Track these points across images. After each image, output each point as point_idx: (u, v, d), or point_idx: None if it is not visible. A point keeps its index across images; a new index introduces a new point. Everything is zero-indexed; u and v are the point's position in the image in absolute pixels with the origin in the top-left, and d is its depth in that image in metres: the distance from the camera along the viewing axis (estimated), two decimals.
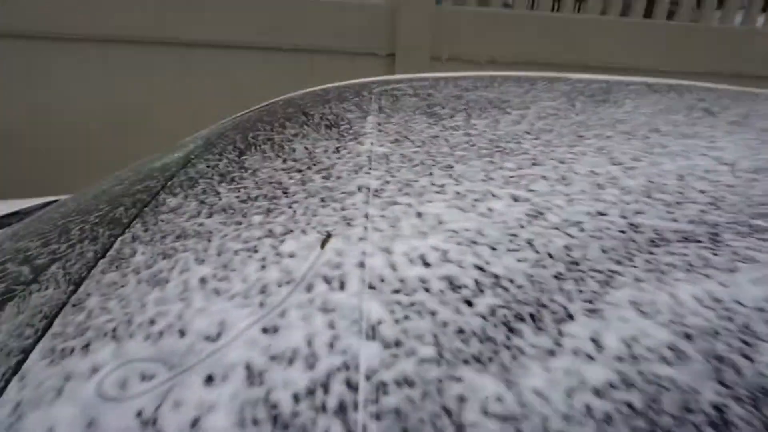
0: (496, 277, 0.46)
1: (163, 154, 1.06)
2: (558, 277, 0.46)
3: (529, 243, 0.51)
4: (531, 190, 0.61)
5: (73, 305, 0.50)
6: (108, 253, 0.58)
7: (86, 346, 0.43)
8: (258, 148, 0.82)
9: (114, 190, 0.85)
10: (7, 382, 0.42)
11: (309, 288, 0.46)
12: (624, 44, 2.32)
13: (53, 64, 2.30)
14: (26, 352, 0.45)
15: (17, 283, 0.60)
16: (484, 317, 0.42)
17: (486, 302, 0.43)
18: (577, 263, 0.48)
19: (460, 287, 0.45)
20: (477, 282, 0.46)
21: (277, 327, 0.42)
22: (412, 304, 0.43)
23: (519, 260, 0.48)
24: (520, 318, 0.42)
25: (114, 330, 0.44)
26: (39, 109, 2.38)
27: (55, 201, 1.58)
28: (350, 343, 0.40)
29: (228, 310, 0.44)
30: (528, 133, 0.81)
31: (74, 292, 0.52)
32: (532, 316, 0.42)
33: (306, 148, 0.78)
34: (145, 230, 0.61)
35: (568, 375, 0.36)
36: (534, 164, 0.69)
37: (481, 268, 0.47)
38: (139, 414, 0.36)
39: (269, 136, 0.87)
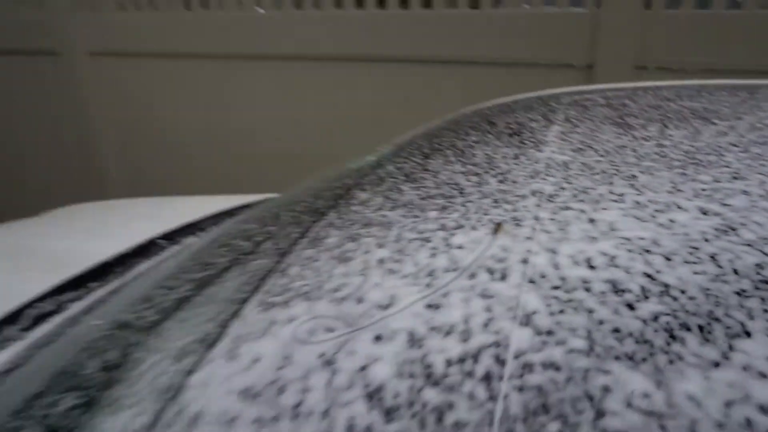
0: (666, 286, 0.44)
1: (361, 158, 1.19)
2: (741, 293, 0.43)
3: (712, 257, 0.47)
4: (725, 205, 0.57)
5: (280, 272, 0.61)
6: (307, 235, 0.69)
7: (286, 302, 0.53)
8: (441, 153, 0.88)
9: (317, 186, 0.99)
10: (229, 322, 0.53)
11: (472, 276, 0.50)
12: None
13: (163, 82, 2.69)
14: (244, 302, 0.56)
15: (241, 253, 0.74)
16: (644, 321, 0.41)
17: (650, 308, 0.42)
18: None
19: (623, 291, 0.45)
20: (643, 288, 0.44)
21: (440, 305, 0.47)
22: (570, 301, 0.44)
23: (696, 273, 0.46)
24: (685, 327, 0.40)
25: (307, 293, 0.54)
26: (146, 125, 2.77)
27: (267, 198, 1.87)
28: (503, 326, 0.42)
29: (399, 286, 0.50)
30: (734, 145, 0.73)
31: (280, 262, 0.63)
32: (700, 327, 0.40)
33: (486, 154, 0.82)
34: (339, 218, 0.71)
35: (732, 387, 0.34)
36: (735, 178, 0.63)
37: (650, 276, 0.46)
38: (321, 356, 0.44)
39: (453, 142, 0.92)
